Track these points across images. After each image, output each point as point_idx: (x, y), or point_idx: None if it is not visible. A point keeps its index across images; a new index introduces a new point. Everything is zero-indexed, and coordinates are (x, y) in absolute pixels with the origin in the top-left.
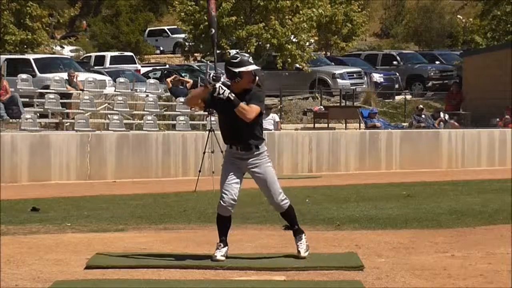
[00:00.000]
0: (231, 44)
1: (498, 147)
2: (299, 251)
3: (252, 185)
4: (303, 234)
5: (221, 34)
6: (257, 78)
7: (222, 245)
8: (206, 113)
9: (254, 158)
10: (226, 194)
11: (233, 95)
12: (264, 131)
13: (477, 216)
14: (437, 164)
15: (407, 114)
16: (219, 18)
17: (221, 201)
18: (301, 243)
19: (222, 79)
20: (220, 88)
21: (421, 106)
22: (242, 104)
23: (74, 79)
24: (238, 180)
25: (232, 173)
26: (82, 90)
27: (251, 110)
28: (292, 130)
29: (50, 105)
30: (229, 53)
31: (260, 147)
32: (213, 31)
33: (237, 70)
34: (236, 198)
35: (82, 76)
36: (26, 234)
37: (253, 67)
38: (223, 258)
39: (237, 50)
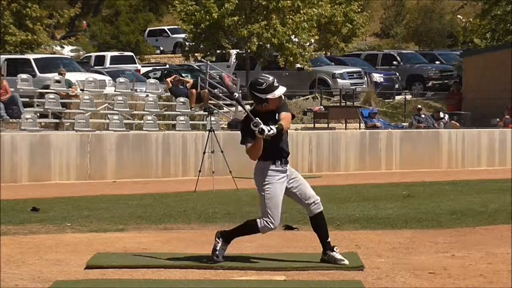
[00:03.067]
0: (232, 43)
1: (498, 147)
2: (339, 259)
3: (252, 185)
4: (336, 248)
5: (223, 34)
6: (282, 98)
7: (221, 244)
8: (206, 113)
9: (292, 171)
10: (276, 216)
11: (275, 127)
12: None
13: (477, 216)
14: (437, 164)
15: (407, 114)
16: (221, 18)
17: (270, 225)
18: (337, 257)
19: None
20: (267, 130)
21: (419, 106)
22: (283, 124)
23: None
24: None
25: (281, 194)
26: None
27: (288, 121)
28: (292, 130)
29: (50, 105)
30: (230, 53)
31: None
32: (237, 95)
33: (263, 97)
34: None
35: (82, 76)
36: (26, 234)
37: (279, 93)
38: (222, 259)
39: (237, 50)
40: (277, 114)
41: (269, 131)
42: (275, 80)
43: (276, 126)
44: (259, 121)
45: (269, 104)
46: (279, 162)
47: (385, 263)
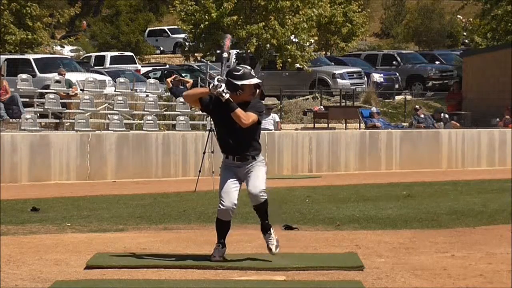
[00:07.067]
0: (231, 44)
1: (498, 147)
2: (270, 248)
3: None
4: (272, 229)
5: (222, 34)
6: (257, 91)
7: (220, 246)
8: (206, 113)
9: (250, 166)
10: (225, 198)
11: (230, 100)
12: (263, 132)
13: (477, 216)
14: (437, 164)
15: (407, 114)
16: (220, 18)
17: (220, 206)
18: (270, 239)
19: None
20: (224, 90)
21: (417, 106)
22: (239, 109)
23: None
24: (236, 186)
25: (230, 179)
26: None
27: (247, 116)
28: (292, 130)
29: (50, 105)
30: (229, 53)
31: (256, 157)
32: (226, 54)
33: (239, 83)
34: (236, 202)
35: (82, 76)
36: (26, 234)
37: (255, 81)
38: (221, 258)
39: (237, 50)
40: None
41: (222, 91)
42: (252, 71)
43: (232, 101)
44: (222, 83)
45: (244, 92)
46: (231, 157)
47: (385, 263)
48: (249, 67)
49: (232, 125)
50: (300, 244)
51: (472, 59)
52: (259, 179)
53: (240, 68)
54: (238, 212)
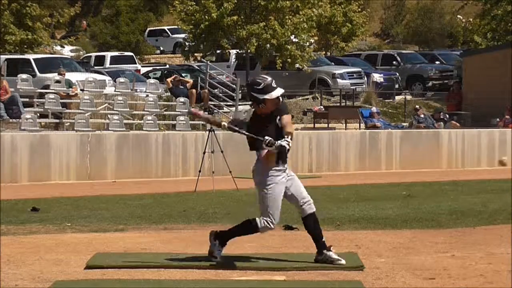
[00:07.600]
0: (231, 44)
1: (498, 147)
2: (339, 263)
3: (252, 185)
4: (331, 248)
5: (222, 34)
6: (280, 99)
7: (218, 243)
8: (206, 113)
9: (287, 167)
10: (276, 217)
11: (287, 140)
12: None
13: (477, 216)
14: (437, 164)
15: (407, 114)
16: (221, 18)
17: (269, 223)
18: (332, 255)
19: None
20: (269, 143)
21: (417, 106)
22: (290, 130)
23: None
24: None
25: (282, 193)
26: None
27: (291, 126)
28: None
29: (50, 105)
30: (229, 53)
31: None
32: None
33: (261, 97)
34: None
35: (82, 76)
36: (26, 234)
37: (276, 93)
38: (221, 258)
39: (237, 50)
40: (277, 118)
41: (288, 144)
42: (273, 81)
43: (288, 138)
44: (271, 139)
45: (266, 105)
46: (281, 161)
47: (385, 263)
48: (269, 78)
49: (269, 133)
50: (300, 244)
51: (472, 59)
52: (303, 187)
53: (261, 81)
54: (239, 212)
